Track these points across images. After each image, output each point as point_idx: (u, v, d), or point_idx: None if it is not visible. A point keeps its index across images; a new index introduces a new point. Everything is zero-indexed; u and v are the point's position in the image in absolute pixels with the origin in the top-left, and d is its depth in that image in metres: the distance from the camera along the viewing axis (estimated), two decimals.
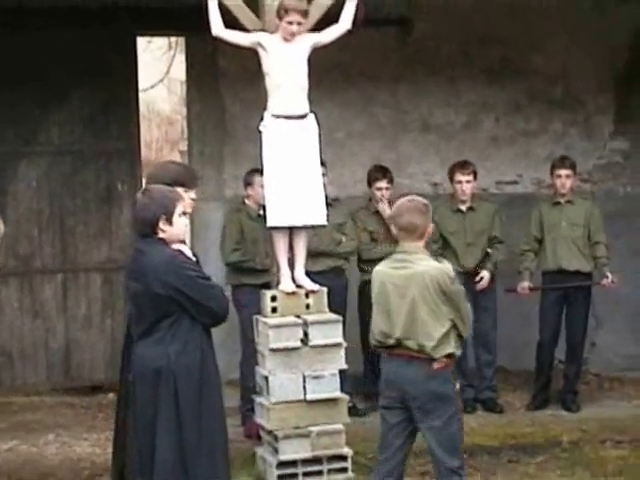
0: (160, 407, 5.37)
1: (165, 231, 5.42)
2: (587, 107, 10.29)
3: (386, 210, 8.61)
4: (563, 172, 8.79)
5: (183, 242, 5.62)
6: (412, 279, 5.54)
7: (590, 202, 9.02)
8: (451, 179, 8.82)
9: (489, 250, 8.76)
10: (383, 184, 8.72)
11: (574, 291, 8.74)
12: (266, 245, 7.84)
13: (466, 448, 7.39)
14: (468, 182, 8.71)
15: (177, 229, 5.47)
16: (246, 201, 8.28)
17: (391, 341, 5.63)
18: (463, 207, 8.76)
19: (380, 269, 5.78)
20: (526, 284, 8.77)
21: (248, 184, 8.25)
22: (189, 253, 5.55)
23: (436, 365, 5.56)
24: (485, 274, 8.66)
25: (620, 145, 10.36)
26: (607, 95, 10.30)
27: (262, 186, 7.48)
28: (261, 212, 7.83)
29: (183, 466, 5.35)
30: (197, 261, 5.56)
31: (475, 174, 8.79)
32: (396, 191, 8.93)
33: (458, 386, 5.91)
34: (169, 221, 5.43)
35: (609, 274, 8.64)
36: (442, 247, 8.69)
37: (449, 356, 5.59)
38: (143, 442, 5.41)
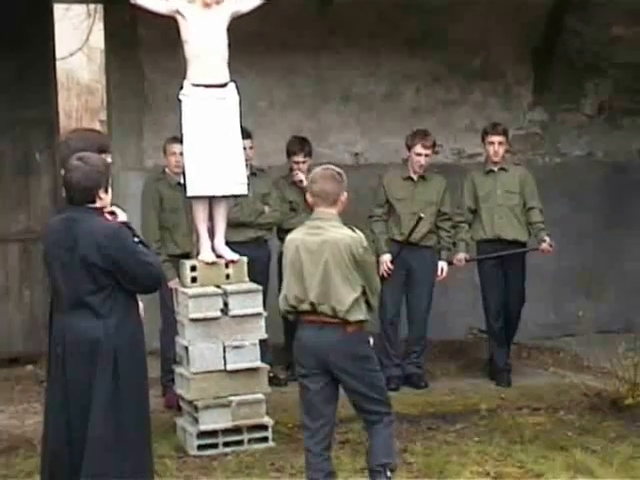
0: (96, 380, 5.30)
1: (102, 199, 5.41)
2: (506, 78, 10.37)
3: (304, 181, 8.60)
4: (496, 139, 8.66)
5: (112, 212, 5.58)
6: (326, 245, 5.66)
7: (523, 168, 8.93)
8: (409, 147, 8.53)
9: (444, 237, 8.62)
10: (300, 158, 8.69)
11: (510, 261, 8.65)
12: (187, 214, 7.80)
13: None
14: (427, 156, 8.52)
15: (109, 198, 5.49)
16: (166, 170, 8.21)
17: (305, 306, 5.71)
18: (415, 176, 8.56)
19: (294, 236, 5.87)
20: (462, 255, 8.67)
21: (167, 152, 8.18)
22: (124, 218, 5.53)
23: (349, 329, 5.68)
24: (443, 264, 8.59)
25: (539, 116, 10.47)
26: (526, 66, 10.39)
27: (181, 154, 7.45)
28: (181, 181, 7.78)
29: (119, 440, 5.32)
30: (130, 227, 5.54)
31: (434, 146, 8.67)
32: (316, 161, 8.94)
33: (372, 341, 5.93)
34: (106, 190, 5.44)
35: (547, 238, 8.57)
36: (387, 213, 8.61)
37: (360, 322, 5.72)
38: (74, 415, 5.34)
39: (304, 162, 8.68)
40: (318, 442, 5.88)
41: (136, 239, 5.45)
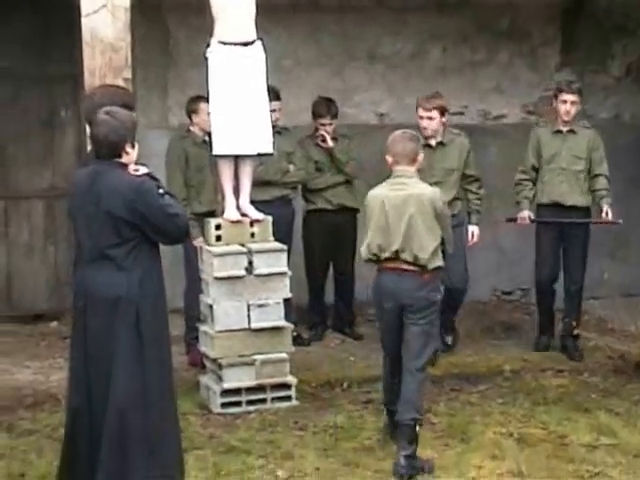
0: (118, 336, 5.33)
1: (128, 154, 5.44)
2: (533, 38, 10.26)
3: (329, 142, 8.56)
4: (569, 97, 8.24)
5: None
6: (410, 199, 6.19)
7: (593, 132, 8.40)
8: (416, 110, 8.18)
9: (473, 200, 8.28)
10: (326, 120, 8.62)
11: (572, 228, 8.28)
12: (212, 172, 7.79)
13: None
14: (430, 119, 7.98)
15: (136, 153, 5.52)
16: (191, 128, 8.18)
17: (387, 254, 6.21)
18: (433, 142, 8.02)
19: (378, 192, 6.33)
20: (526, 213, 8.30)
21: (193, 111, 8.14)
22: (144, 169, 5.53)
23: (426, 276, 6.20)
24: (474, 229, 8.29)
25: (566, 77, 10.36)
26: (553, 26, 10.27)
27: (208, 113, 7.43)
28: (206, 138, 7.76)
29: (143, 395, 5.37)
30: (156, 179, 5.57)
31: (443, 110, 8.01)
32: (341, 121, 8.90)
33: (439, 296, 6.42)
34: (132, 145, 5.46)
35: (608, 210, 8.19)
36: None
37: (437, 269, 6.26)
38: (95, 369, 5.37)
39: (330, 124, 8.63)
40: (394, 375, 6.39)
41: (161, 190, 5.46)
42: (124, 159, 5.44)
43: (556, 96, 8.37)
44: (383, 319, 6.43)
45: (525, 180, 8.38)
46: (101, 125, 5.42)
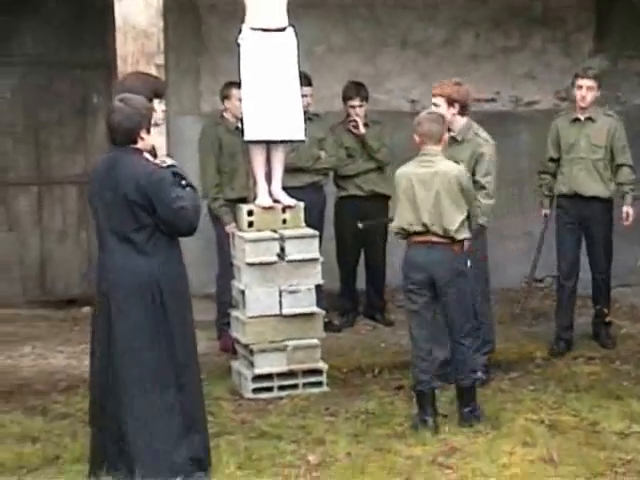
0: (142, 318, 5.42)
1: (144, 140, 5.52)
2: (567, 24, 10.21)
3: (361, 129, 8.56)
4: (585, 82, 7.98)
5: (154, 153, 5.65)
6: (437, 175, 6.48)
7: (614, 120, 8.14)
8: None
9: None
10: (356, 102, 8.63)
11: (592, 217, 8.07)
12: (245, 159, 7.81)
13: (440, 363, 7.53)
14: (360, 106, 8.53)
15: (152, 139, 5.61)
16: (224, 114, 8.20)
17: (417, 228, 6.50)
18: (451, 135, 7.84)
19: (406, 170, 6.61)
20: (544, 211, 8.34)
21: (225, 97, 8.16)
22: (169, 161, 5.62)
23: (455, 248, 6.48)
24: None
25: (599, 63, 10.30)
26: (587, 12, 10.21)
27: (240, 99, 7.44)
28: (239, 125, 7.78)
29: (178, 379, 5.49)
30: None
31: (450, 100, 7.43)
32: (372, 108, 8.89)
33: (469, 263, 6.69)
34: (148, 130, 5.53)
35: (627, 208, 8.04)
36: None
37: (463, 241, 6.55)
38: (120, 352, 5.45)
39: (360, 106, 8.63)
40: (425, 361, 6.57)
41: (183, 182, 5.50)
42: (140, 144, 5.52)
43: (573, 83, 8.21)
44: (410, 290, 6.60)
45: (543, 173, 8.29)
46: (115, 112, 5.51)
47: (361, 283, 8.97)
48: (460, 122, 7.21)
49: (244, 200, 7.74)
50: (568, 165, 8.07)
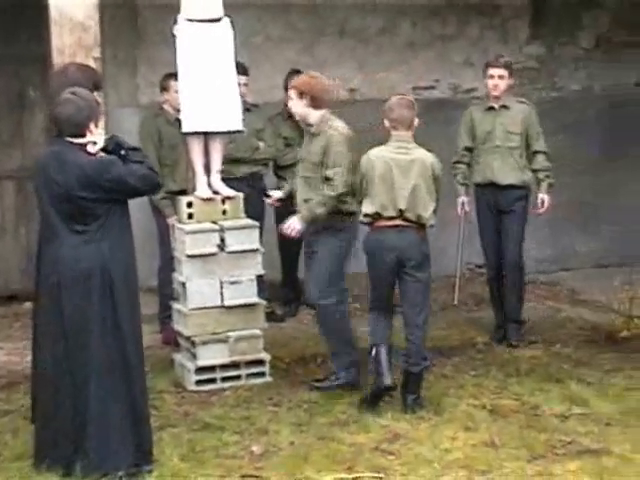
0: (93, 309, 5.45)
1: (92, 133, 5.53)
2: (503, 11, 10.28)
3: None
4: (495, 72, 7.94)
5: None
6: (415, 163, 6.66)
7: (528, 107, 8.09)
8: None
9: None
10: None
11: (508, 205, 8.00)
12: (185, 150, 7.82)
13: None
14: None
15: (101, 133, 5.65)
16: (164, 106, 8.17)
17: (390, 212, 6.65)
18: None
19: (382, 154, 6.73)
20: (461, 200, 8.19)
21: (164, 89, 8.13)
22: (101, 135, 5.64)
23: (421, 233, 6.71)
24: None
25: (535, 50, 10.41)
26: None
27: (177, 91, 7.42)
28: (179, 117, 7.74)
29: (124, 366, 5.51)
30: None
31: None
32: None
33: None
34: (96, 124, 5.55)
35: (542, 195, 8.00)
36: None
37: (431, 227, 6.78)
38: (73, 345, 5.46)
39: None
40: (383, 313, 6.83)
41: (122, 151, 5.54)
42: (88, 137, 5.52)
43: (485, 72, 8.12)
44: (378, 273, 6.77)
45: (458, 163, 8.18)
46: (66, 104, 5.48)
47: (303, 272, 8.96)
48: (314, 115, 7.00)
49: (186, 192, 7.71)
50: (484, 154, 8.02)
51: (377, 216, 6.71)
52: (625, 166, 10.45)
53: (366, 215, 6.75)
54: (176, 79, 7.47)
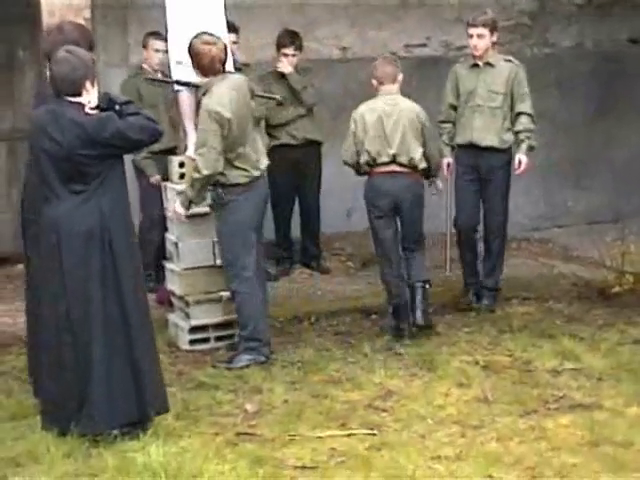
0: (95, 266, 5.47)
1: (89, 92, 5.51)
2: None
3: (289, 69, 8.52)
4: (474, 31, 7.71)
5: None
6: (403, 112, 7.25)
7: (515, 65, 7.79)
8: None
9: None
10: (290, 50, 8.58)
11: (489, 171, 7.76)
12: (168, 111, 7.88)
13: (375, 308, 7.61)
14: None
15: (96, 91, 5.59)
16: (143, 65, 8.20)
17: (384, 158, 7.21)
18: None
19: (372, 106, 7.31)
20: (445, 161, 7.87)
21: (144, 46, 8.20)
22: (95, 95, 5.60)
23: (415, 176, 7.27)
24: None
25: (527, 6, 10.33)
26: None
27: (157, 50, 7.80)
28: (159, 76, 7.79)
29: (125, 323, 5.54)
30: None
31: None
32: (303, 56, 8.85)
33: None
34: (92, 83, 5.53)
35: (521, 155, 7.68)
36: None
37: (423, 169, 7.33)
38: (74, 304, 5.48)
39: (293, 55, 8.59)
40: (394, 271, 7.34)
41: (117, 106, 5.55)
42: (84, 97, 5.50)
43: (466, 31, 7.89)
44: (378, 219, 7.28)
45: (443, 122, 7.94)
46: (62, 63, 5.48)
47: (296, 231, 8.98)
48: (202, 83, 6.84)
49: (168, 152, 7.72)
50: (466, 113, 7.79)
51: (372, 163, 7.26)
52: (617, 122, 10.44)
53: (363, 164, 7.29)
54: (156, 38, 7.73)
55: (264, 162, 7.01)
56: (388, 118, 7.24)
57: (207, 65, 6.70)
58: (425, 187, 7.48)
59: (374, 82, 7.35)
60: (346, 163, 7.45)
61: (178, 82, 7.14)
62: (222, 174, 6.73)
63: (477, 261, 8.07)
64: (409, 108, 7.31)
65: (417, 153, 7.24)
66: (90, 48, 6.00)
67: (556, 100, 10.15)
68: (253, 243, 6.85)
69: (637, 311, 7.72)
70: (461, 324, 7.57)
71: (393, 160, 7.23)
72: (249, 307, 6.83)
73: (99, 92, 5.69)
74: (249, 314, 6.84)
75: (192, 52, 6.72)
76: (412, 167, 7.26)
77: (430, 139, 7.40)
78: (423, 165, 7.30)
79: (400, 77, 7.36)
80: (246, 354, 6.79)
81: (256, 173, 6.88)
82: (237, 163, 6.77)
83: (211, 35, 6.76)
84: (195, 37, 6.75)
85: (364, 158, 7.29)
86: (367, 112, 7.30)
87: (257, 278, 6.89)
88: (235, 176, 6.77)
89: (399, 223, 7.37)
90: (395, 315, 7.31)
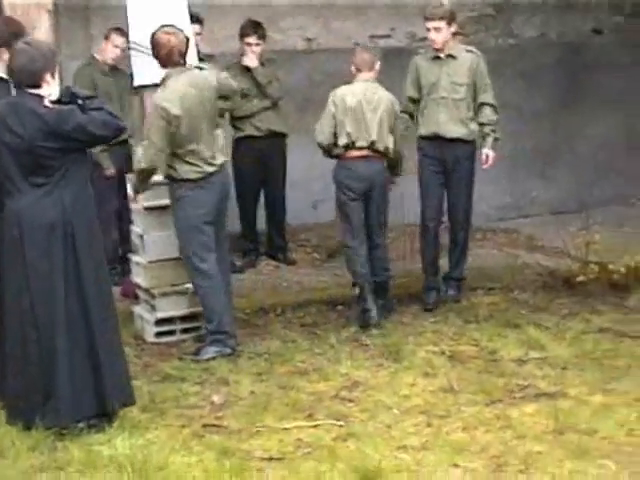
0: (57, 260, 5.44)
1: (49, 84, 5.48)
2: None
3: (254, 63, 8.50)
4: (430, 24, 7.61)
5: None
6: (381, 100, 7.37)
7: (476, 56, 7.72)
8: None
9: None
10: (253, 39, 8.56)
11: (453, 159, 7.69)
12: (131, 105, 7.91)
13: (341, 299, 7.62)
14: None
15: (57, 84, 5.57)
16: (95, 55, 8.27)
17: (362, 143, 7.33)
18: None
19: (351, 90, 7.40)
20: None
21: (106, 37, 8.26)
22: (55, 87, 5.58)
23: (383, 162, 7.47)
24: None
25: None
26: None
27: (116, 46, 7.97)
28: (114, 65, 8.12)
29: (86, 317, 5.51)
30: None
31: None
32: (268, 47, 8.84)
33: None
34: (53, 75, 5.50)
35: (487, 150, 7.67)
36: None
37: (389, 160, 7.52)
38: (37, 297, 5.46)
39: (257, 44, 8.57)
40: (362, 247, 7.42)
41: (80, 101, 5.53)
42: (44, 89, 5.46)
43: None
44: (350, 202, 7.38)
45: (402, 113, 7.72)
46: (20, 54, 5.44)
47: (261, 223, 8.98)
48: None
49: (123, 143, 7.70)
50: (429, 106, 7.69)
51: (349, 147, 7.36)
52: (582, 112, 10.50)
53: (341, 146, 7.36)
54: (119, 34, 7.90)
55: (220, 158, 6.89)
56: (368, 104, 7.34)
57: (165, 56, 6.65)
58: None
59: (352, 69, 7.47)
60: (320, 145, 7.44)
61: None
62: (173, 168, 6.71)
63: (438, 259, 7.98)
64: (387, 97, 7.43)
65: (391, 142, 7.40)
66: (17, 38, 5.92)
67: (521, 90, 10.18)
68: (211, 237, 6.81)
69: (601, 300, 7.78)
70: (427, 314, 7.60)
71: (370, 146, 7.34)
72: (212, 301, 6.82)
73: (61, 85, 5.67)
74: (212, 308, 6.83)
75: (152, 42, 6.68)
76: (385, 154, 7.41)
77: (397, 131, 7.51)
78: (392, 155, 7.47)
79: (377, 65, 7.49)
80: (212, 346, 6.79)
81: (209, 169, 6.78)
82: (188, 159, 6.71)
83: (172, 26, 6.71)
84: (157, 28, 6.71)
85: (343, 140, 7.34)
86: (348, 95, 7.37)
87: (221, 271, 6.87)
88: (186, 171, 6.72)
89: (366, 209, 7.44)
90: (360, 296, 7.33)
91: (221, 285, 6.86)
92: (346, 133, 7.33)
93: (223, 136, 7.22)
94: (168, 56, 6.65)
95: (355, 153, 7.38)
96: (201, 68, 6.93)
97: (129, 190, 7.27)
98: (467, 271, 8.08)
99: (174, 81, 6.64)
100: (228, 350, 6.80)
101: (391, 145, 7.41)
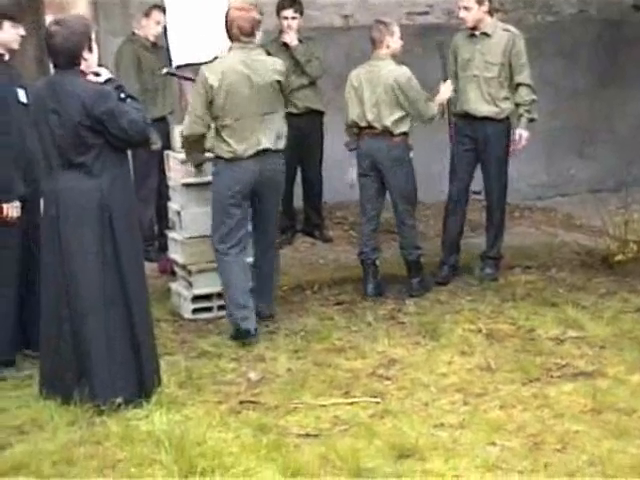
0: (93, 241, 5.46)
1: (87, 60, 5.48)
2: None
3: (293, 40, 8.49)
4: (461, 3, 7.57)
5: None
6: (380, 79, 7.35)
7: (513, 34, 7.60)
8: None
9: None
10: (289, 13, 8.55)
11: (486, 142, 7.66)
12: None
13: (380, 276, 7.60)
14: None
15: (95, 55, 5.55)
16: (136, 32, 8.21)
17: (363, 123, 7.42)
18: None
19: (358, 71, 7.51)
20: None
21: (146, 15, 8.19)
22: (105, 73, 5.60)
23: (395, 139, 7.37)
24: None
25: None
26: None
27: (157, 22, 7.90)
28: (156, 42, 8.06)
29: (125, 298, 5.53)
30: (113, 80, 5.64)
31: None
32: (305, 25, 8.81)
33: (412, 154, 7.53)
34: (90, 48, 5.50)
35: (520, 130, 7.64)
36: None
37: (404, 133, 7.42)
38: (72, 278, 5.48)
39: (293, 18, 8.54)
40: (370, 225, 7.56)
41: (122, 95, 5.51)
42: (83, 65, 5.48)
43: None
44: (360, 174, 7.55)
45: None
46: (54, 36, 5.46)
47: (298, 201, 8.97)
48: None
49: (162, 119, 7.71)
50: (462, 83, 7.67)
51: (354, 126, 7.53)
52: (621, 90, 10.41)
53: (349, 127, 7.59)
54: (160, 10, 7.73)
55: (265, 144, 6.66)
56: (368, 84, 7.40)
57: (226, 28, 6.64)
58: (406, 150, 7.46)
59: (372, 48, 7.50)
60: (347, 125, 7.64)
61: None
62: (214, 144, 6.69)
63: (460, 238, 7.97)
64: (387, 74, 7.33)
65: (389, 120, 7.33)
66: (10, 18, 6.06)
67: (559, 68, 10.11)
68: (237, 219, 6.70)
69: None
70: (464, 292, 7.57)
71: (369, 126, 7.42)
72: (225, 274, 6.74)
73: (100, 64, 5.67)
74: (224, 281, 6.76)
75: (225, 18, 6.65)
76: (388, 132, 7.38)
77: (414, 102, 7.30)
78: (399, 130, 7.37)
79: (390, 42, 7.37)
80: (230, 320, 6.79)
81: (244, 151, 6.62)
82: (224, 134, 6.62)
83: (246, 3, 6.75)
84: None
85: (349, 119, 7.55)
86: (354, 77, 7.52)
87: (261, 252, 6.92)
88: (221, 148, 6.66)
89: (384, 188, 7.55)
90: (363, 271, 7.56)
91: (239, 267, 6.73)
92: (351, 113, 7.49)
93: (283, 123, 6.92)
94: (227, 29, 6.64)
95: (363, 132, 7.50)
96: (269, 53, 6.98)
97: (172, 168, 7.26)
98: (504, 250, 8.03)
99: (228, 55, 6.65)
100: (239, 325, 6.67)
101: (389, 122, 7.33)
